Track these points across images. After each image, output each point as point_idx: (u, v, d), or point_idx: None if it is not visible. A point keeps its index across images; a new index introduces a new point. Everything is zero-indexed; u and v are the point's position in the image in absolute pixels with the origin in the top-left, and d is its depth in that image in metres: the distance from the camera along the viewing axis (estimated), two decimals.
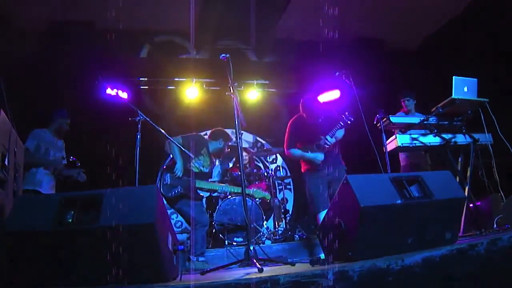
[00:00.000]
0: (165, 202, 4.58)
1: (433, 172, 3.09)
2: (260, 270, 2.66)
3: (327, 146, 4.67)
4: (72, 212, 2.47)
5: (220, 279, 2.24)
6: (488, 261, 2.51)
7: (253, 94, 8.61)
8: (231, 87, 3.59)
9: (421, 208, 2.72)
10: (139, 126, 3.59)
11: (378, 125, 4.54)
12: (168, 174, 4.62)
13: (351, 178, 2.64)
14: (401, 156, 5.90)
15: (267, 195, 5.66)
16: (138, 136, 3.57)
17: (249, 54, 8.08)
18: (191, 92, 8.08)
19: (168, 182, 4.59)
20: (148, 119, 3.70)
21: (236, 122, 3.50)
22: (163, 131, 3.85)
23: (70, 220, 2.44)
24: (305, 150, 4.81)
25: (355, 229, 2.56)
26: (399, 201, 2.63)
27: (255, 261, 2.93)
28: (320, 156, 4.69)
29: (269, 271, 2.70)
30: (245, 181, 6.74)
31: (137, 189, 2.49)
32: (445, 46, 6.94)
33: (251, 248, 3.09)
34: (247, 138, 9.30)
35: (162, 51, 7.37)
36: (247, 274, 2.66)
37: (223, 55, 3.67)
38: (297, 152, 4.88)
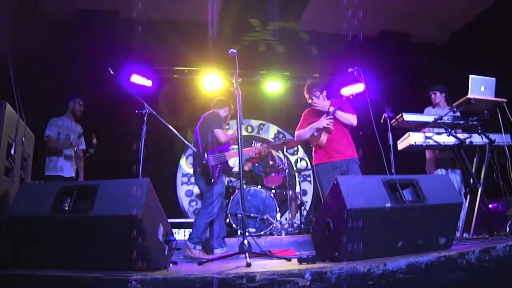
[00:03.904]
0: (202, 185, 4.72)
1: (430, 176, 3.04)
2: (248, 265, 2.71)
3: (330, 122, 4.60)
4: (69, 201, 2.61)
5: (202, 272, 2.29)
6: (478, 271, 2.46)
7: (278, 85, 8.63)
8: (235, 83, 3.61)
9: (412, 212, 2.68)
10: (145, 118, 3.68)
11: (392, 122, 4.47)
12: (210, 155, 4.69)
13: (341, 179, 2.63)
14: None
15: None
16: (144, 129, 3.65)
17: (273, 46, 8.02)
18: (214, 82, 8.16)
19: (213, 163, 4.67)
20: (154, 112, 3.77)
21: (238, 116, 3.54)
22: (169, 125, 3.92)
23: (67, 208, 2.58)
24: None
25: (342, 230, 2.55)
26: (388, 205, 2.60)
27: (246, 255, 2.98)
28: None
29: (257, 265, 2.74)
30: (262, 172, 6.83)
31: (129, 182, 2.57)
32: (474, 41, 6.68)
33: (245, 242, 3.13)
34: (271, 130, 9.34)
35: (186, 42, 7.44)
36: (237, 267, 2.72)
37: (231, 50, 3.67)
38: (301, 130, 4.84)
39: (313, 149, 4.87)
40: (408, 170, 3.92)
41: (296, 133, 4.93)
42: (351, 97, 4.75)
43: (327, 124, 4.61)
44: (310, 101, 4.91)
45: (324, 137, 4.68)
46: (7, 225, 2.57)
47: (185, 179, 8.54)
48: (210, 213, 4.67)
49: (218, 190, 4.72)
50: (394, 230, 2.66)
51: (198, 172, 4.83)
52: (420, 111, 5.46)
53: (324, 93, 4.87)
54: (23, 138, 3.04)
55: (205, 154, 4.67)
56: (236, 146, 6.62)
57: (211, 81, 8.15)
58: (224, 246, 4.82)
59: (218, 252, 4.67)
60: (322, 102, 4.76)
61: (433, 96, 5.59)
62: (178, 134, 3.92)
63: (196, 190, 8.04)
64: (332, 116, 4.63)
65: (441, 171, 5.09)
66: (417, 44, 7.61)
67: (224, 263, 3.21)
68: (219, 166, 4.71)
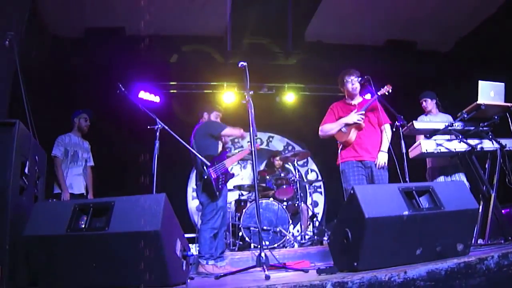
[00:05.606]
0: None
1: (446, 182, 3.02)
2: (267, 277, 2.69)
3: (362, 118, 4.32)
4: (85, 218, 2.61)
5: (223, 286, 2.29)
6: (498, 276, 2.43)
7: (286, 97, 8.69)
8: (246, 95, 3.63)
9: (430, 219, 2.67)
10: (157, 134, 3.71)
11: (404, 130, 4.45)
12: (210, 169, 4.49)
13: (358, 189, 2.62)
14: (428, 158, 5.69)
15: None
16: (157, 144, 3.67)
17: (282, 58, 8.06)
18: (227, 96, 8.29)
19: (215, 176, 4.52)
20: (166, 127, 3.80)
21: (251, 129, 3.53)
22: (180, 139, 3.94)
23: (83, 226, 2.58)
24: None
25: (360, 240, 2.54)
26: (406, 213, 2.59)
27: (265, 267, 2.97)
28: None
29: (275, 278, 2.72)
30: (274, 185, 6.83)
31: (145, 197, 2.58)
32: (480, 47, 6.70)
33: (263, 254, 3.11)
34: (279, 141, 9.35)
35: (193, 57, 7.51)
36: (255, 280, 2.72)
37: (241, 63, 3.69)
38: (328, 124, 4.56)
39: (340, 147, 4.54)
40: (417, 177, 3.91)
41: (320, 127, 4.59)
42: (386, 93, 4.42)
43: (358, 120, 4.32)
44: (343, 87, 4.62)
45: (353, 134, 4.38)
46: (24, 244, 2.58)
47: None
48: (213, 226, 4.60)
49: (220, 204, 4.65)
50: (413, 237, 2.64)
51: (199, 186, 4.73)
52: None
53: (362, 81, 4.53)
54: (36, 157, 3.05)
55: (205, 168, 4.46)
56: (237, 151, 6.77)
57: (222, 95, 8.26)
58: (219, 260, 4.70)
59: (210, 263, 4.54)
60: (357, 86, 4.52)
61: (424, 103, 5.55)
62: (191, 149, 3.94)
63: None
64: (364, 112, 4.34)
65: (443, 178, 4.98)
66: (422, 52, 7.64)
67: (241, 277, 3.20)
68: (221, 177, 4.60)
